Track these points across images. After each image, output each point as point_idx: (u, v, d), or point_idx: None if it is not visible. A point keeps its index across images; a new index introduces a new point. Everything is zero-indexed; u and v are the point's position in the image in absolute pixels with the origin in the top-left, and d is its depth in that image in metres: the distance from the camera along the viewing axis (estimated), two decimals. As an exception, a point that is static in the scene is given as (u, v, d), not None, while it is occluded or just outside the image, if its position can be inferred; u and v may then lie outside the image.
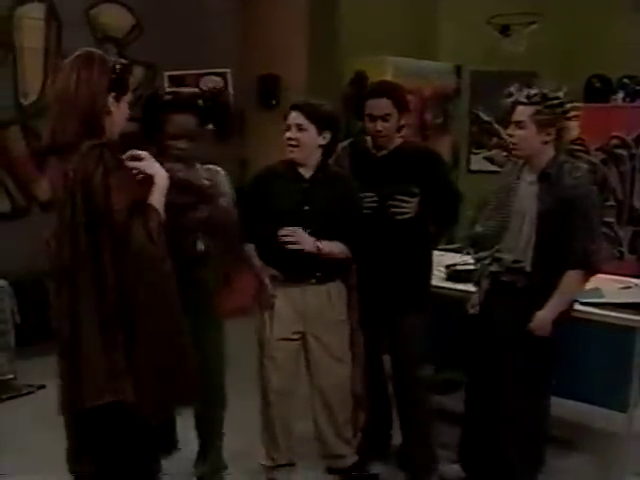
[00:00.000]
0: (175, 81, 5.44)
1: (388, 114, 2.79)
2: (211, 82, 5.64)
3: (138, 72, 5.28)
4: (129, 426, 1.93)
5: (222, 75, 5.65)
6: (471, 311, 2.75)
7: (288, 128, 2.63)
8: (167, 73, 5.36)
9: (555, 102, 2.52)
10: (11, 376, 4.06)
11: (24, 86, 4.83)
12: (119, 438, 1.95)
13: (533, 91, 2.55)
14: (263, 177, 2.80)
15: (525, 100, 2.54)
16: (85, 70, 1.90)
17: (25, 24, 4.75)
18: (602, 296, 3.16)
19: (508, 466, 2.72)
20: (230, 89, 5.66)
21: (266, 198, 2.68)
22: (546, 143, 2.56)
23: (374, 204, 2.80)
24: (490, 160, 6.18)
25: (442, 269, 3.42)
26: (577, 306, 3.04)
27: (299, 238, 2.60)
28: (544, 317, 2.56)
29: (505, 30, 5.85)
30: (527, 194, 2.62)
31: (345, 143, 3.02)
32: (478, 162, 6.24)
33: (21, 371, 4.10)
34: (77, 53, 1.96)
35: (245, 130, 5.86)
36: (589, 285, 3.31)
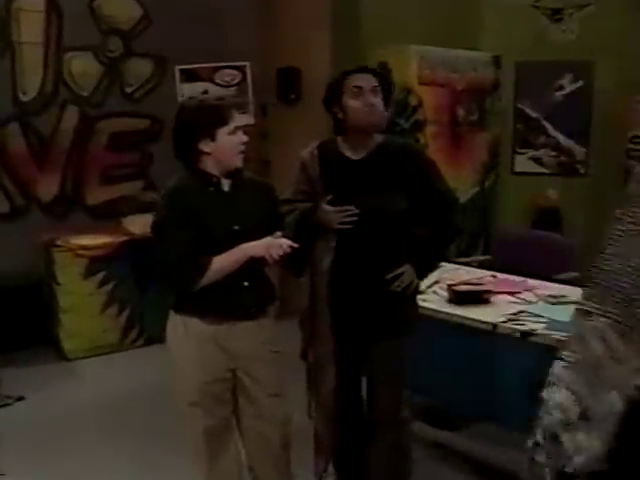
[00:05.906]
0: (187, 75, 5.15)
1: (376, 87, 2.38)
2: (227, 76, 5.32)
3: (146, 66, 5.03)
4: None
5: (240, 69, 5.32)
6: None
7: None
8: (178, 67, 5.07)
9: None
10: (-11, 386, 3.89)
11: (23, 82, 4.66)
12: None
13: None
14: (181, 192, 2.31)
15: None
16: None
17: (24, 17, 4.57)
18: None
19: None
20: (249, 83, 5.32)
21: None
22: None
23: (355, 217, 2.35)
24: (537, 161, 5.55)
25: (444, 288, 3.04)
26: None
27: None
28: None
29: (555, 14, 5.22)
30: None
31: (312, 147, 2.59)
32: (523, 163, 5.59)
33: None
34: None
35: (267, 127, 5.50)
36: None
